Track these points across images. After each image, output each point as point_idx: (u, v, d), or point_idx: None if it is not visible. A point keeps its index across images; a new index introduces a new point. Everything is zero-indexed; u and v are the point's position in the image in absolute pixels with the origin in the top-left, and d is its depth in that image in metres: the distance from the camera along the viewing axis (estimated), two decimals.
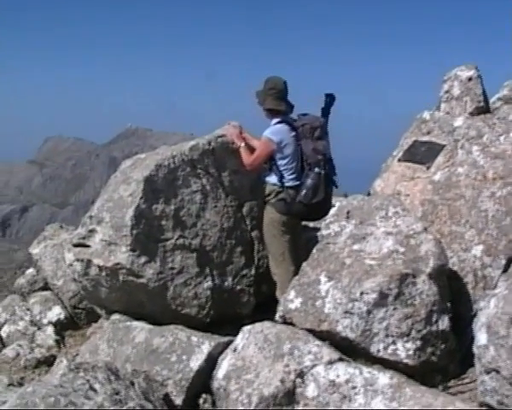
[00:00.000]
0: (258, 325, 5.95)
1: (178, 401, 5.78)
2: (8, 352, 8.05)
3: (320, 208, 7.25)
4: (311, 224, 8.26)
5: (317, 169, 7.09)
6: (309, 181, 7.09)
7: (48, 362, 7.84)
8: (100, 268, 7.06)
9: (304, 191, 7.08)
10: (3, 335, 8.86)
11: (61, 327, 9.02)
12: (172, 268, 7.12)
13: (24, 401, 4.44)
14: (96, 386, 4.80)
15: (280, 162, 7.30)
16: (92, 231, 7.24)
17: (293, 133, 7.32)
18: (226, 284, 7.52)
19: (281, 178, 7.29)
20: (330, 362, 5.41)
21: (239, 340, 5.95)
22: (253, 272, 7.75)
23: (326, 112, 7.39)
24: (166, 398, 5.70)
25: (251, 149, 7.53)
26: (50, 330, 8.73)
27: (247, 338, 5.86)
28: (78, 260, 7.32)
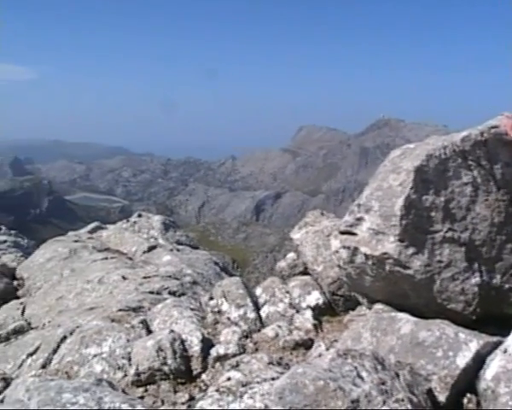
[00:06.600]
0: None
1: (442, 397, 5.62)
2: (268, 331, 8.29)
3: None
4: None
5: None
6: None
7: (305, 345, 7.98)
8: (366, 257, 7.10)
9: None
10: (263, 315, 9.13)
11: (318, 312, 9.13)
12: (440, 261, 6.95)
13: (294, 380, 4.55)
14: (363, 374, 4.83)
15: None
16: (360, 220, 7.27)
17: None
18: (494, 281, 7.21)
19: None
20: None
21: (510, 341, 5.68)
22: None
23: None
24: (430, 393, 5.57)
25: None
26: (309, 313, 8.86)
27: None
28: (344, 247, 7.40)
